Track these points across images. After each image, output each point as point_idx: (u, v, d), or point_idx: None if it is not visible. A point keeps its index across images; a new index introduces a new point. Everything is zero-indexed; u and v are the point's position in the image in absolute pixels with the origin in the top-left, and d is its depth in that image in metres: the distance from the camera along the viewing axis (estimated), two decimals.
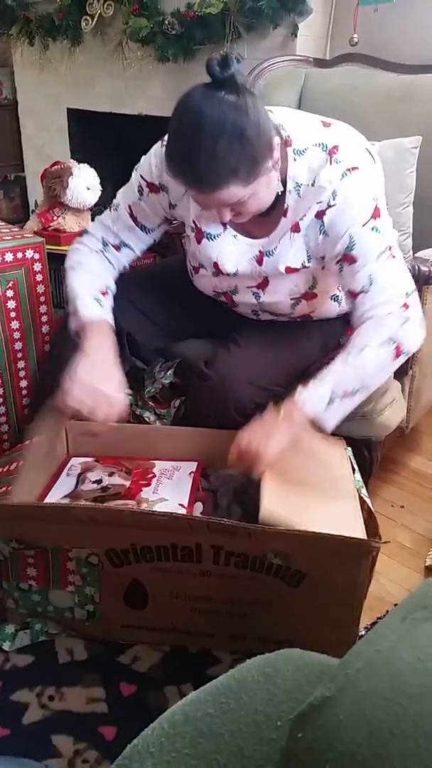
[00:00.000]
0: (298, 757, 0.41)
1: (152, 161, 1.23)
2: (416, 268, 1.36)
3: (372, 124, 1.73)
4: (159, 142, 1.22)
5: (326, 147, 1.12)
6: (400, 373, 1.50)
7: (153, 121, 2.54)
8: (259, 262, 1.23)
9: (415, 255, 1.42)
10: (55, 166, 1.99)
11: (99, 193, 2.04)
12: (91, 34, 2.63)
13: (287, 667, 0.59)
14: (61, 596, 1.13)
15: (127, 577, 1.10)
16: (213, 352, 1.37)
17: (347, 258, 1.13)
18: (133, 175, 1.27)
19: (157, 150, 1.22)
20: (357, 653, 0.45)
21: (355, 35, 1.98)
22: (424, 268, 1.36)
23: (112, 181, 3.13)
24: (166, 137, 1.15)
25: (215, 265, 1.25)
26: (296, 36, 2.06)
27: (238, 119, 0.97)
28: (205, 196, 1.04)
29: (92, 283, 1.24)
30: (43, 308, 1.55)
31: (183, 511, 1.16)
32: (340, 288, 1.29)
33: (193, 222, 1.24)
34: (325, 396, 1.07)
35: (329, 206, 1.12)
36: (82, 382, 1.08)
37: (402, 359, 1.13)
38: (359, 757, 0.38)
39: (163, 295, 1.42)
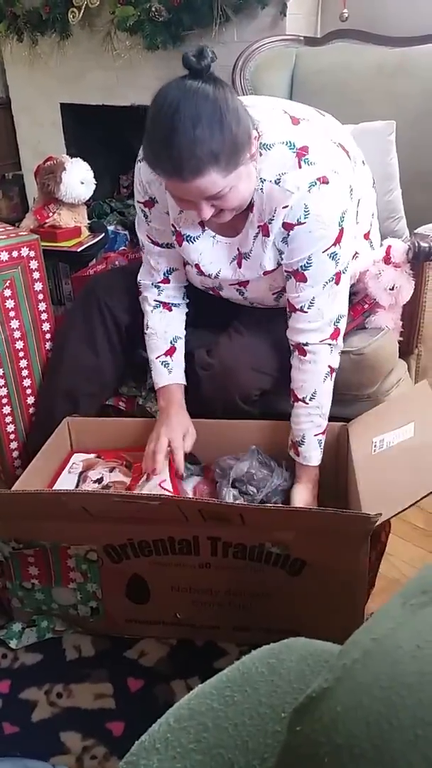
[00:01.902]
0: (297, 751, 0.41)
1: (137, 182, 1.26)
2: (416, 244, 1.34)
3: (365, 101, 1.70)
4: (137, 163, 1.24)
5: (294, 146, 1.10)
6: (405, 353, 1.48)
7: (146, 112, 2.51)
8: (239, 264, 1.24)
9: (414, 231, 1.39)
10: (48, 162, 1.97)
11: (93, 187, 2.02)
12: (79, 27, 2.60)
13: (291, 657, 0.58)
14: (64, 593, 1.13)
15: (127, 572, 1.10)
16: (214, 341, 1.36)
17: (298, 275, 1.17)
18: (135, 206, 1.31)
19: (137, 169, 1.24)
20: (355, 642, 0.44)
21: (345, 10, 1.94)
22: (423, 244, 1.34)
23: (109, 173, 3.13)
24: (141, 152, 1.16)
25: (197, 266, 1.26)
26: (285, 15, 2.02)
27: (216, 106, 0.97)
28: (186, 186, 1.02)
29: (159, 347, 1.35)
30: (42, 306, 1.54)
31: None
32: None
33: (173, 225, 1.24)
34: (317, 445, 1.24)
35: (299, 222, 1.11)
36: (163, 445, 1.24)
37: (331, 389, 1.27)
38: (358, 749, 0.37)
39: None
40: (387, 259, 1.34)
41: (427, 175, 1.59)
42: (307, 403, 1.23)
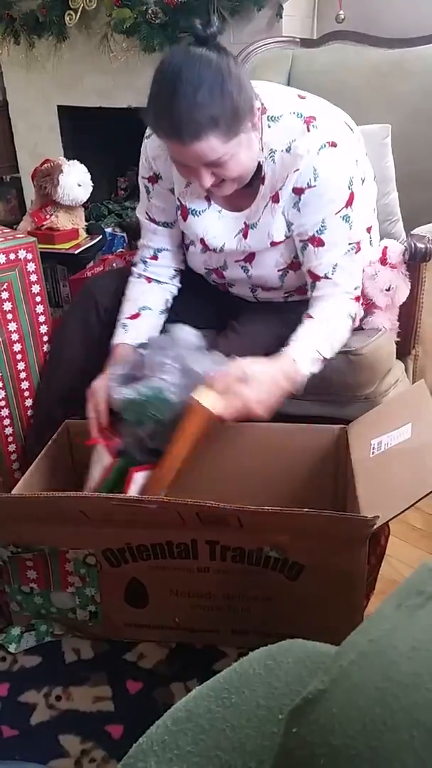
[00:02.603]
0: (293, 753, 0.41)
1: (143, 158, 1.28)
2: (413, 245, 1.34)
3: (362, 102, 1.70)
4: (144, 140, 1.25)
5: (302, 115, 1.13)
6: (402, 354, 1.48)
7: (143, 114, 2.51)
8: (245, 235, 1.24)
9: (411, 232, 1.39)
10: (45, 165, 1.98)
11: (90, 189, 2.02)
12: (76, 29, 2.60)
13: (288, 658, 0.58)
14: (63, 598, 1.13)
15: (125, 577, 1.09)
16: (213, 341, 1.36)
17: (315, 240, 1.18)
18: (139, 182, 1.33)
19: (144, 145, 1.27)
20: (351, 644, 0.44)
21: (341, 12, 1.95)
22: (420, 245, 1.34)
23: (107, 175, 3.13)
24: (148, 129, 1.19)
25: (202, 241, 1.27)
26: (281, 17, 2.02)
27: (218, 72, 0.99)
28: (185, 150, 1.04)
29: (125, 311, 1.35)
30: (39, 308, 1.54)
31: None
32: None
33: (178, 200, 1.26)
34: (311, 359, 1.15)
35: (309, 186, 1.13)
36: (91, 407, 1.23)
37: (348, 335, 1.24)
38: (353, 750, 0.37)
39: None
40: (383, 260, 1.34)
41: (423, 175, 1.59)
42: (319, 322, 1.19)
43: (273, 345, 1.31)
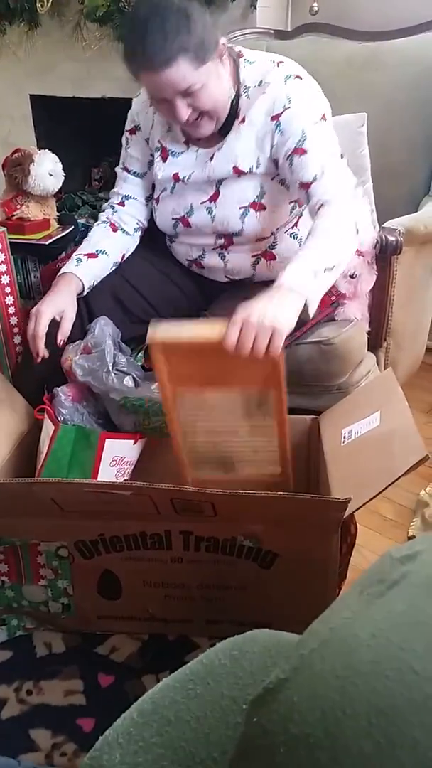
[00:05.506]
0: (254, 742, 0.40)
1: (129, 114, 1.41)
2: (384, 238, 1.35)
3: (336, 94, 1.68)
4: (133, 99, 1.39)
5: (274, 61, 1.29)
6: (374, 346, 1.49)
7: (117, 104, 2.48)
8: (211, 158, 1.31)
9: (383, 225, 1.39)
10: (16, 154, 1.94)
11: (62, 179, 1.99)
12: (48, 16, 2.55)
13: (253, 648, 0.58)
14: (35, 591, 1.12)
15: (98, 568, 1.09)
16: None
17: (298, 150, 1.25)
18: (122, 139, 1.44)
19: (133, 103, 1.40)
20: (313, 632, 0.44)
21: (315, 4, 1.95)
22: (391, 238, 1.35)
23: (81, 165, 3.09)
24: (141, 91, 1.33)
25: (175, 176, 1.35)
26: (255, 8, 2.01)
27: (182, 8, 1.12)
28: (158, 79, 1.13)
29: (84, 248, 1.41)
30: (9, 299, 1.53)
31: None
32: (298, 225, 1.40)
33: (159, 142, 1.36)
34: (308, 272, 1.08)
35: (285, 108, 1.25)
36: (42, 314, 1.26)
37: (357, 238, 1.26)
38: (312, 738, 0.37)
39: (139, 284, 1.44)
40: None
41: (397, 167, 1.60)
42: (318, 238, 1.14)
43: None
